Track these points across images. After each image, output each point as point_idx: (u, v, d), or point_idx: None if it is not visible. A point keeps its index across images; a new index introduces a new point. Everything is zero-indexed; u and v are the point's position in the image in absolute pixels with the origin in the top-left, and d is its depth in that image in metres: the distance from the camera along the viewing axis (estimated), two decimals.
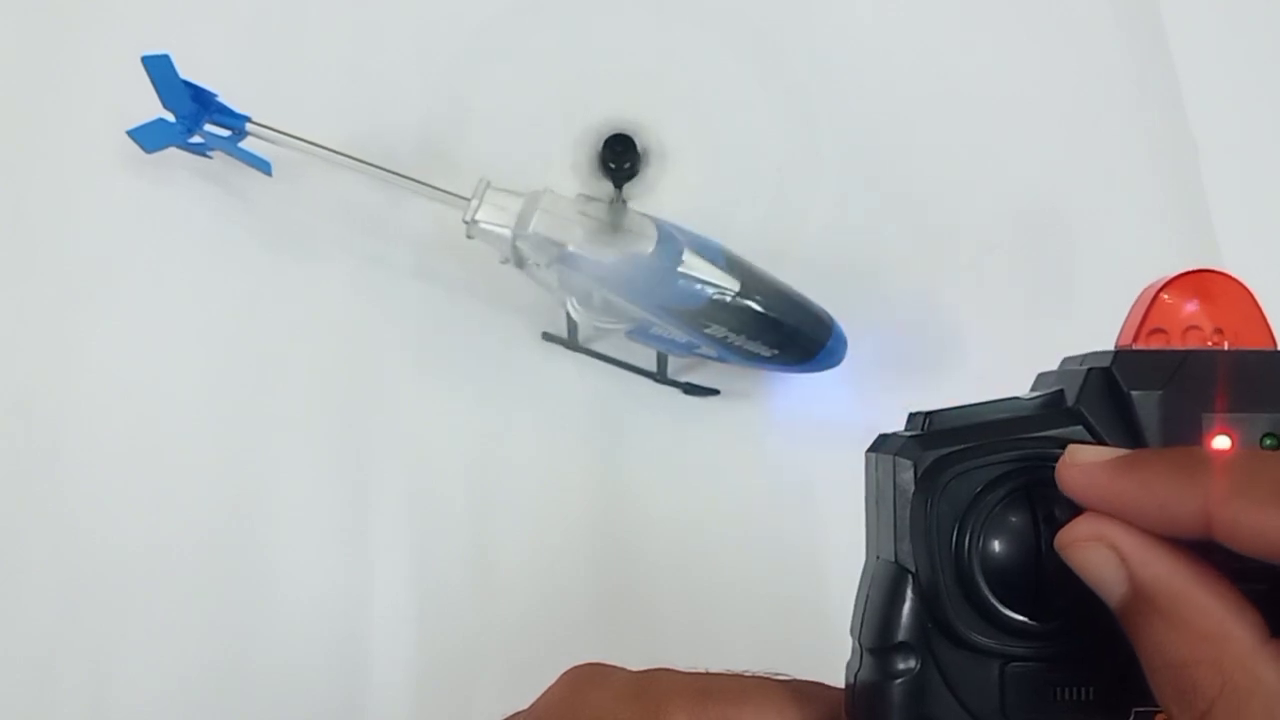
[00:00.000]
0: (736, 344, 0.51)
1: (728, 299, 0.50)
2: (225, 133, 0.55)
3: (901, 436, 0.27)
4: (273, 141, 0.54)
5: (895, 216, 0.60)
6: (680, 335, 0.51)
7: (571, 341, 0.56)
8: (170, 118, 0.54)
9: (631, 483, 0.55)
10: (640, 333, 0.53)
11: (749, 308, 0.50)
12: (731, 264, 0.51)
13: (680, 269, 0.49)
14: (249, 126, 0.54)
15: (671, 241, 0.50)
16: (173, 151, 0.57)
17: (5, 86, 0.61)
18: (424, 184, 0.53)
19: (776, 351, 0.51)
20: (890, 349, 0.57)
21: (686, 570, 0.54)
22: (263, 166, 0.55)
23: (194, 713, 0.51)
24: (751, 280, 0.50)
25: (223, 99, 0.54)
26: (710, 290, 0.50)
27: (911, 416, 0.27)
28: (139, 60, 0.51)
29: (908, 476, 0.26)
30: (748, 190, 0.61)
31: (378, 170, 0.53)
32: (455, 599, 0.53)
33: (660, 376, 0.56)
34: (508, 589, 0.53)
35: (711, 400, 0.56)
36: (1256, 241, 0.61)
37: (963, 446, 0.26)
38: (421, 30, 0.62)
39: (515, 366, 0.57)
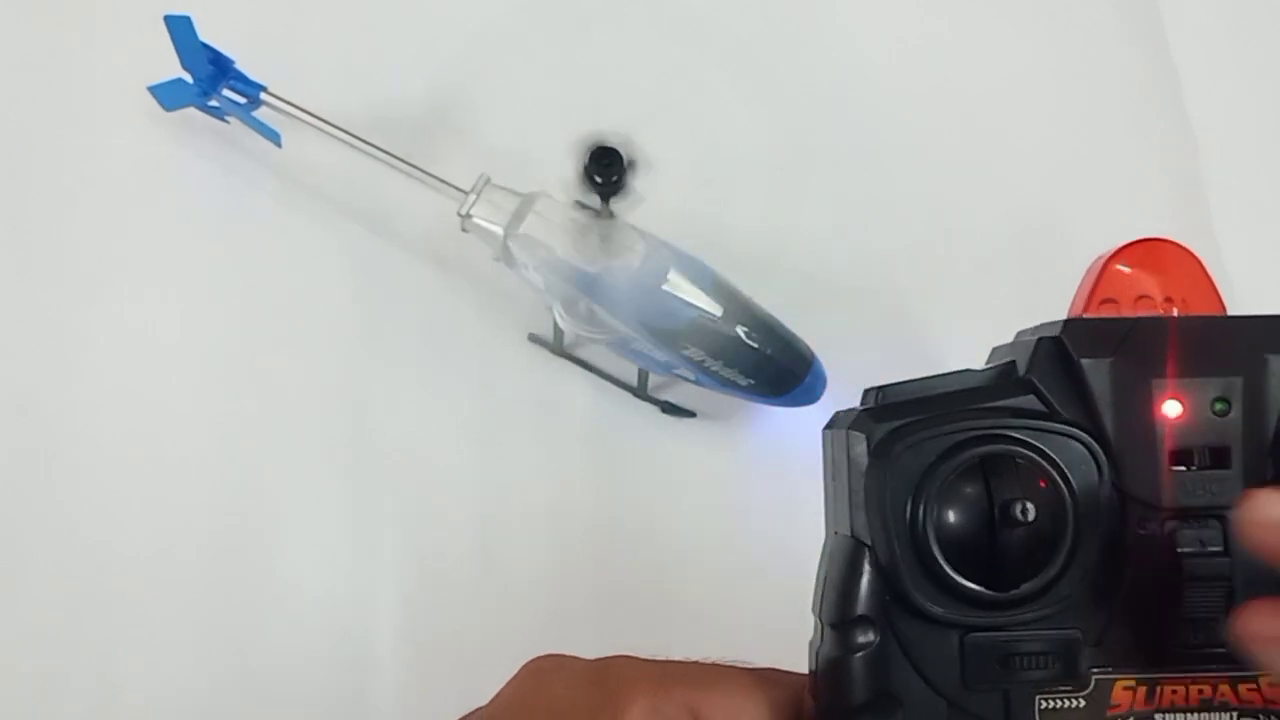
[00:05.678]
0: (713, 369, 0.50)
1: (709, 323, 0.49)
2: (241, 100, 0.55)
3: (854, 411, 0.27)
4: (285, 113, 0.55)
5: (889, 228, 0.59)
6: (658, 353, 0.51)
7: (556, 346, 0.56)
8: (189, 79, 0.55)
9: (621, 487, 0.55)
10: (621, 346, 0.53)
11: (729, 334, 0.49)
12: (718, 288, 0.50)
13: (664, 287, 0.49)
14: (264, 96, 0.55)
15: (658, 259, 0.49)
16: (192, 111, 0.57)
17: (36, 30, 0.61)
18: (426, 173, 0.53)
19: (753, 381, 0.50)
20: (877, 374, 0.56)
21: (685, 573, 0.54)
22: (273, 137, 0.56)
23: (197, 714, 0.51)
24: (736, 307, 0.50)
25: (240, 67, 0.55)
26: (692, 312, 0.49)
27: (865, 392, 0.28)
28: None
29: (861, 450, 0.26)
30: (739, 202, 0.60)
31: (383, 155, 0.53)
32: (455, 598, 0.53)
33: (640, 393, 0.56)
34: (507, 588, 0.53)
35: (688, 420, 0.56)
36: (1257, 241, 0.59)
37: (915, 418, 0.26)
38: (432, 26, 0.62)
39: (506, 365, 0.57)
